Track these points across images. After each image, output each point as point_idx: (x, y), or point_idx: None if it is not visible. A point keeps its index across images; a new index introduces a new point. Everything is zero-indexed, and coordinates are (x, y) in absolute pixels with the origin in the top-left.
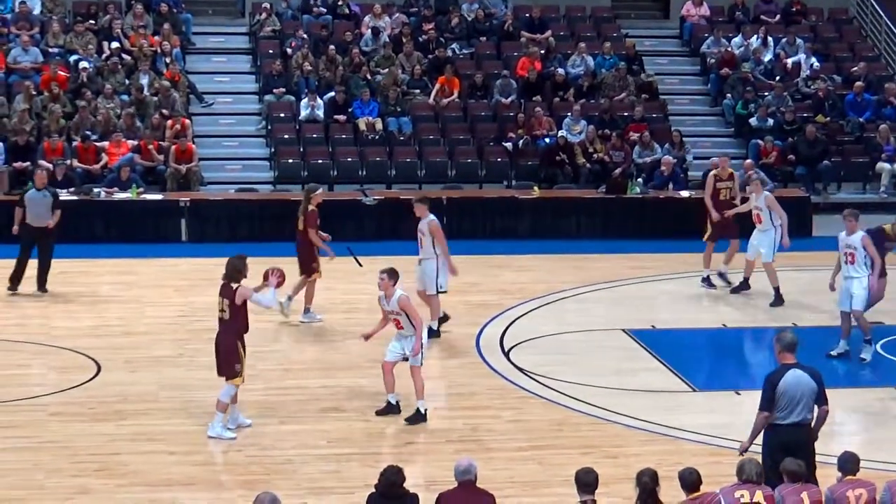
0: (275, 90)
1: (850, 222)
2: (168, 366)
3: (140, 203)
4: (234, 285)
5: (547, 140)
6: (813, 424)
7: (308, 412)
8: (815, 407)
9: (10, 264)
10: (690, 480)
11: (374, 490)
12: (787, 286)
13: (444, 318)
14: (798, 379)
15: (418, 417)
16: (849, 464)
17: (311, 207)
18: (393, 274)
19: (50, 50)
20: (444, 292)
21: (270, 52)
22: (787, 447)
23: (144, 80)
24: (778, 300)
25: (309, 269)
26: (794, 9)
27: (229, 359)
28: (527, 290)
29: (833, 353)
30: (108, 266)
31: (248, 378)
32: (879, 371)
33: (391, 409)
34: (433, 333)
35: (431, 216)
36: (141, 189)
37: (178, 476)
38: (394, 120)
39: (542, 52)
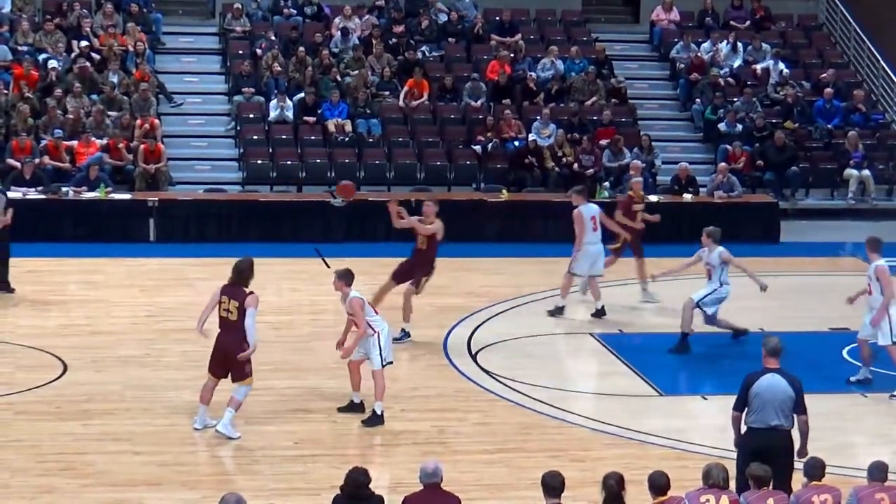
0: (244, 91)
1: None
2: (134, 366)
3: (108, 203)
4: (247, 289)
5: (516, 143)
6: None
7: (275, 413)
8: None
9: None
10: (660, 484)
11: (339, 491)
12: (753, 290)
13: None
14: (773, 384)
15: (375, 419)
16: (815, 469)
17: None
18: (344, 275)
19: (19, 48)
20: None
21: (240, 52)
22: (758, 451)
23: (114, 80)
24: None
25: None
26: (763, 14)
27: (240, 361)
28: (495, 294)
29: (853, 379)
30: (75, 265)
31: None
32: (844, 377)
33: (354, 408)
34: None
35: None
36: (109, 189)
37: (144, 476)
38: (363, 121)
39: (512, 55)
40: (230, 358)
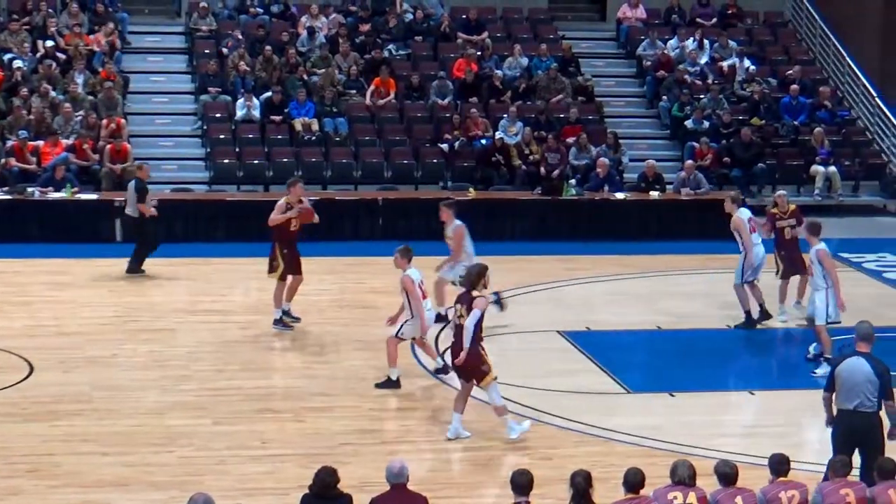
0: (210, 90)
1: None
2: (102, 366)
3: (75, 203)
4: (475, 293)
5: (483, 141)
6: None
7: (242, 413)
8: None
9: None
10: (634, 481)
11: (307, 491)
12: (720, 287)
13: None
14: (856, 366)
15: (389, 384)
16: (780, 465)
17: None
18: (405, 252)
19: None
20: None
21: (206, 51)
22: (846, 432)
23: (80, 80)
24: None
25: (270, 266)
26: (729, 12)
27: (476, 363)
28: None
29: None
30: (42, 266)
31: (181, 378)
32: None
33: (390, 384)
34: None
35: (458, 221)
36: (76, 189)
37: (112, 477)
38: (330, 120)
39: (479, 53)
40: (467, 363)
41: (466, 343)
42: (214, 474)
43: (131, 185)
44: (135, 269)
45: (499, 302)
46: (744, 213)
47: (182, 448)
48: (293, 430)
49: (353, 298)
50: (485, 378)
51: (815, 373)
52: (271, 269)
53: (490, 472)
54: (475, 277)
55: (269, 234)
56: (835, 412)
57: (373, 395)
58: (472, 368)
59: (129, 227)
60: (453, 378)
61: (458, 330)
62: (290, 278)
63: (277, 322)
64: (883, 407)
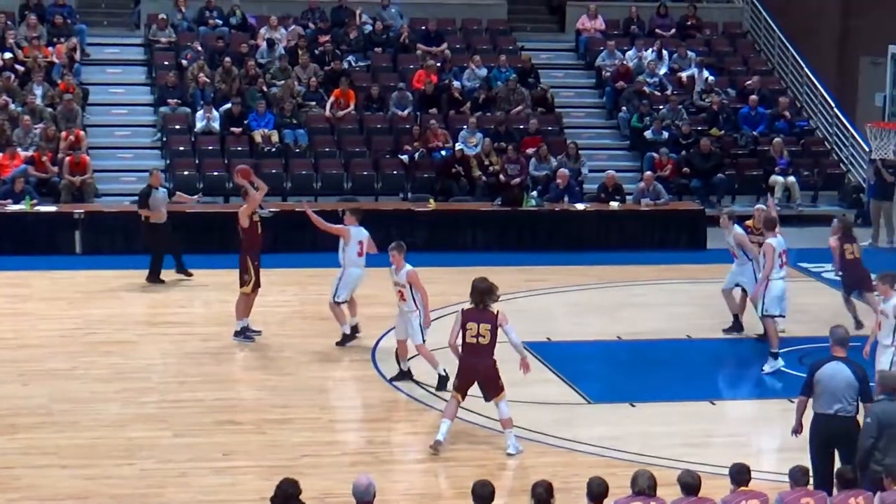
0: (170, 102)
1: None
2: (62, 378)
3: (34, 215)
4: (494, 309)
5: (443, 153)
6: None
7: (203, 425)
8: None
9: None
10: (598, 492)
11: (269, 503)
12: (680, 297)
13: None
14: (836, 371)
15: (442, 382)
16: (740, 475)
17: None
18: (400, 247)
19: None
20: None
21: (165, 63)
22: (824, 436)
23: (38, 92)
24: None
25: (241, 279)
26: (688, 22)
27: (495, 379)
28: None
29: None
30: (1, 278)
31: (141, 390)
32: (774, 382)
33: (403, 376)
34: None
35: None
36: (35, 201)
37: (72, 490)
38: (290, 132)
39: (438, 64)
40: (487, 378)
41: (524, 353)
42: (176, 487)
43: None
44: (153, 278)
45: None
46: (741, 230)
47: (143, 460)
48: (254, 441)
49: (314, 310)
50: (501, 393)
51: (763, 369)
52: (243, 283)
53: (451, 483)
54: (488, 293)
55: (235, 245)
56: (811, 417)
57: (334, 407)
58: (493, 384)
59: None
60: (416, 390)
61: (476, 347)
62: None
63: (238, 334)
64: (862, 410)
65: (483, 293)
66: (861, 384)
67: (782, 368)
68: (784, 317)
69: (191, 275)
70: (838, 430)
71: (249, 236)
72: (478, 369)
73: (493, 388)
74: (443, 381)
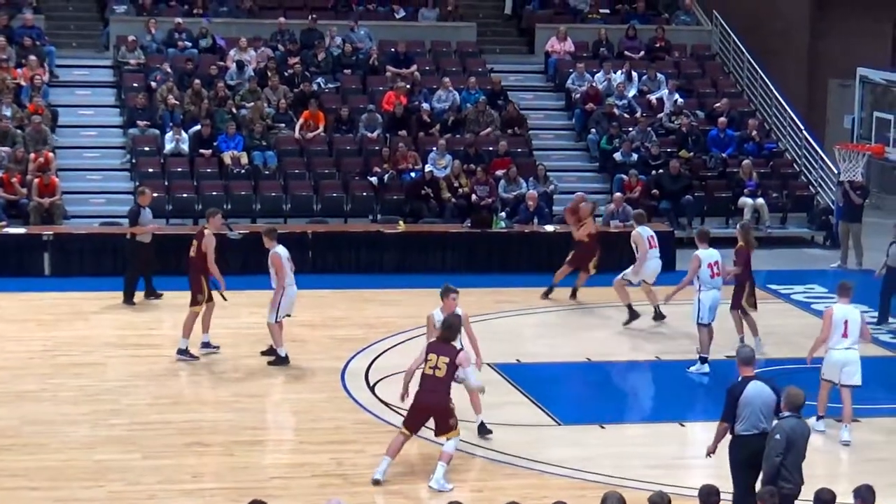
0: (139, 123)
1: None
2: (31, 401)
3: (2, 237)
4: (457, 346)
5: (412, 174)
6: None
7: (172, 447)
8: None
9: None
10: None
11: None
12: (650, 319)
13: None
14: (759, 390)
15: (483, 430)
16: (710, 496)
17: (206, 231)
18: (451, 290)
19: None
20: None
21: (135, 85)
22: (750, 457)
23: (7, 113)
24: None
25: (193, 299)
26: (657, 45)
27: (446, 415)
28: (392, 325)
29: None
30: None
31: (111, 412)
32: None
33: (280, 361)
34: (283, 360)
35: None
36: (3, 223)
37: None
38: (259, 154)
39: (408, 86)
40: (438, 413)
41: (474, 391)
42: None
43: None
44: (128, 300)
45: None
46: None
47: (112, 483)
48: (224, 463)
49: (284, 332)
50: (453, 431)
51: (689, 370)
52: (198, 301)
53: None
54: (455, 330)
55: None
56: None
57: (303, 429)
58: (443, 420)
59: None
60: (386, 412)
61: (430, 380)
62: (204, 307)
63: (183, 352)
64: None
65: (452, 329)
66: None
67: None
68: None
69: (160, 296)
70: (761, 449)
71: (203, 260)
72: (430, 406)
73: (443, 425)
74: (482, 428)
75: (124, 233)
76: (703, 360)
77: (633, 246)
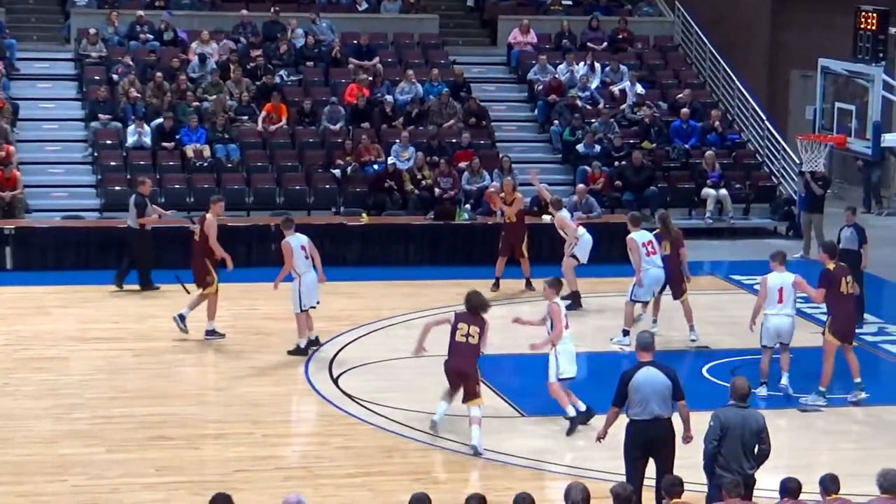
0: (101, 116)
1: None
2: None
3: None
4: (485, 316)
5: (375, 167)
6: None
7: (135, 440)
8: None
9: None
10: None
11: None
12: (614, 311)
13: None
14: (650, 376)
15: (573, 423)
16: (673, 487)
17: (209, 216)
18: (554, 283)
19: None
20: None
21: (96, 78)
22: (643, 442)
23: None
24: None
25: (203, 282)
26: (620, 36)
27: (474, 381)
28: (356, 317)
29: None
30: None
31: (73, 406)
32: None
33: (297, 351)
34: (301, 351)
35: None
36: None
37: None
38: (222, 147)
39: (370, 78)
40: (468, 378)
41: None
42: (108, 503)
43: (131, 199)
44: (147, 286)
45: None
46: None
47: (75, 476)
48: (187, 457)
49: (247, 325)
50: (477, 399)
51: (612, 339)
52: (209, 283)
53: (385, 497)
54: (484, 304)
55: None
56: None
57: (266, 422)
58: (473, 386)
59: (127, 241)
60: (349, 404)
61: (462, 346)
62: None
63: (210, 332)
64: (677, 409)
65: (478, 306)
66: (673, 384)
67: (707, 377)
68: (647, 303)
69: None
70: (657, 434)
71: (206, 244)
72: (461, 371)
73: (471, 391)
74: (573, 421)
75: (126, 225)
76: (626, 333)
77: (561, 232)
